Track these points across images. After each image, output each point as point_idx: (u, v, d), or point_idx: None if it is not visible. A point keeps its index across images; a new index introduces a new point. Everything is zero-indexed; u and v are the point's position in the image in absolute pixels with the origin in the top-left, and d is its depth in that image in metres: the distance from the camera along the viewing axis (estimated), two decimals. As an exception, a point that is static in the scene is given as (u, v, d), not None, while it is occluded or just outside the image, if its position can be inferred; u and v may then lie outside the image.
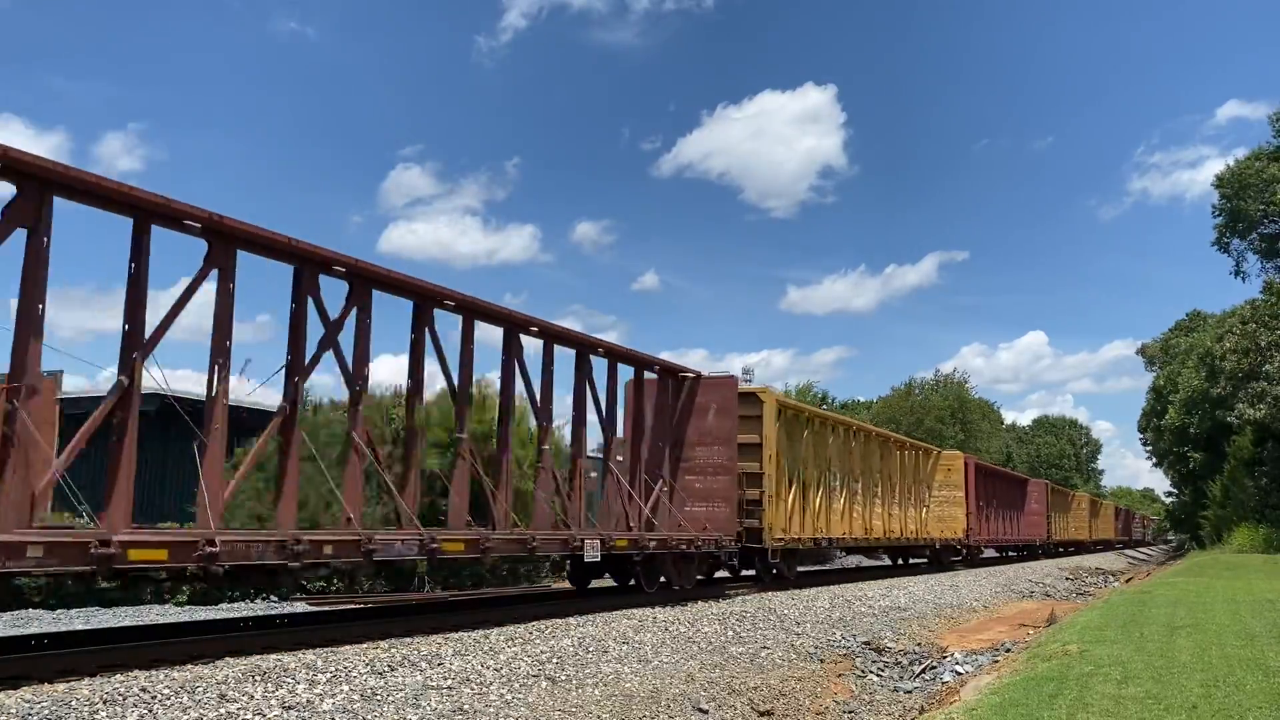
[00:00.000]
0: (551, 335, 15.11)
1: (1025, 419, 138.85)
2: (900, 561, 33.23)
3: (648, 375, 18.13)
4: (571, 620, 12.83)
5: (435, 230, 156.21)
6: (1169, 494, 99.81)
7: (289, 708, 7.11)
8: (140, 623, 13.20)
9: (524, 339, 14.53)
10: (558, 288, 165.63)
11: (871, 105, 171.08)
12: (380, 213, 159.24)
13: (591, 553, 14.20)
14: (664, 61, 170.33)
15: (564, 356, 15.60)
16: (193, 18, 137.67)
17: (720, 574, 21.04)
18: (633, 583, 16.74)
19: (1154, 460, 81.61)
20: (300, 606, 17.21)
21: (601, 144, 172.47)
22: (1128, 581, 30.46)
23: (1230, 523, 52.26)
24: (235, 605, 17.66)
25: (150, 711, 6.74)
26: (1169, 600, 17.01)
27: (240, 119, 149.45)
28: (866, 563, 34.95)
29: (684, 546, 16.86)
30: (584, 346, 16.03)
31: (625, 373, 17.52)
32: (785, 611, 15.48)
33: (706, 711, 8.79)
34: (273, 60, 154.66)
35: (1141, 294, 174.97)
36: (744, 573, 21.23)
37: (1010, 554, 45.31)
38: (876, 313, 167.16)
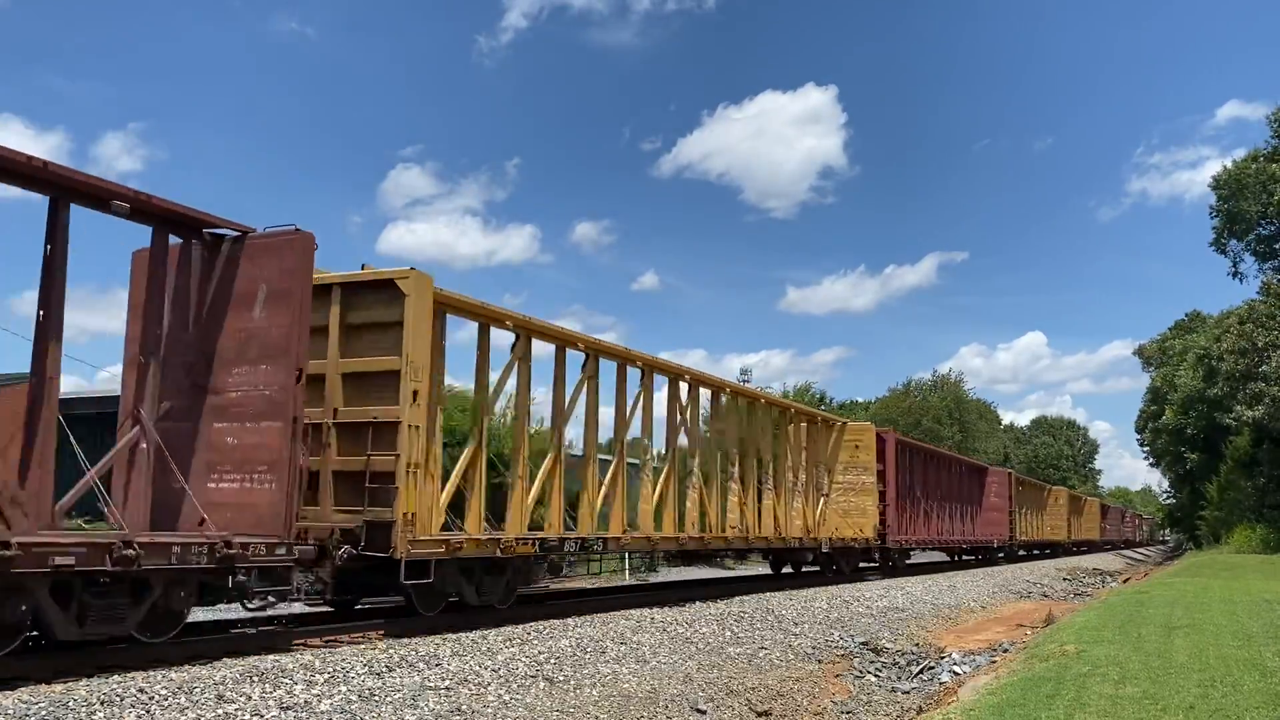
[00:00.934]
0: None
1: (1023, 419, 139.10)
2: (783, 570, 25.51)
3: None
4: (569, 621, 12.82)
5: (435, 231, 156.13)
6: (1166, 494, 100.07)
7: (287, 708, 7.11)
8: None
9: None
10: (557, 288, 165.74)
11: (872, 106, 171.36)
12: (380, 213, 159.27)
13: None
14: (665, 62, 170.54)
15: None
16: (193, 17, 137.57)
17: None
18: None
19: (1151, 461, 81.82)
20: (298, 607, 17.17)
21: (601, 144, 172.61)
22: (1125, 582, 30.48)
23: (1227, 523, 52.35)
24: (232, 606, 17.61)
25: (148, 712, 6.74)
26: (1166, 601, 17.03)
27: (240, 119, 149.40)
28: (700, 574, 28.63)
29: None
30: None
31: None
32: (783, 612, 15.49)
33: (704, 712, 8.80)
34: (273, 60, 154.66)
35: (1140, 295, 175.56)
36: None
37: (966, 558, 38.00)
38: (875, 313, 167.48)
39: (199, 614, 15.65)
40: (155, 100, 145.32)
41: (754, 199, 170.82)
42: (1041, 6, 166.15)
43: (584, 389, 15.20)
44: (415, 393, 11.32)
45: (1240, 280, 53.69)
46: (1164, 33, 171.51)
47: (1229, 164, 52.36)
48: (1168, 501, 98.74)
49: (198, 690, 7.35)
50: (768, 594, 18.64)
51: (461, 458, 12.64)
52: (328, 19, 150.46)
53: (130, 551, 8.13)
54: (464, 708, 7.65)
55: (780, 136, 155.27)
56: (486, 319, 13.11)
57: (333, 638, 10.77)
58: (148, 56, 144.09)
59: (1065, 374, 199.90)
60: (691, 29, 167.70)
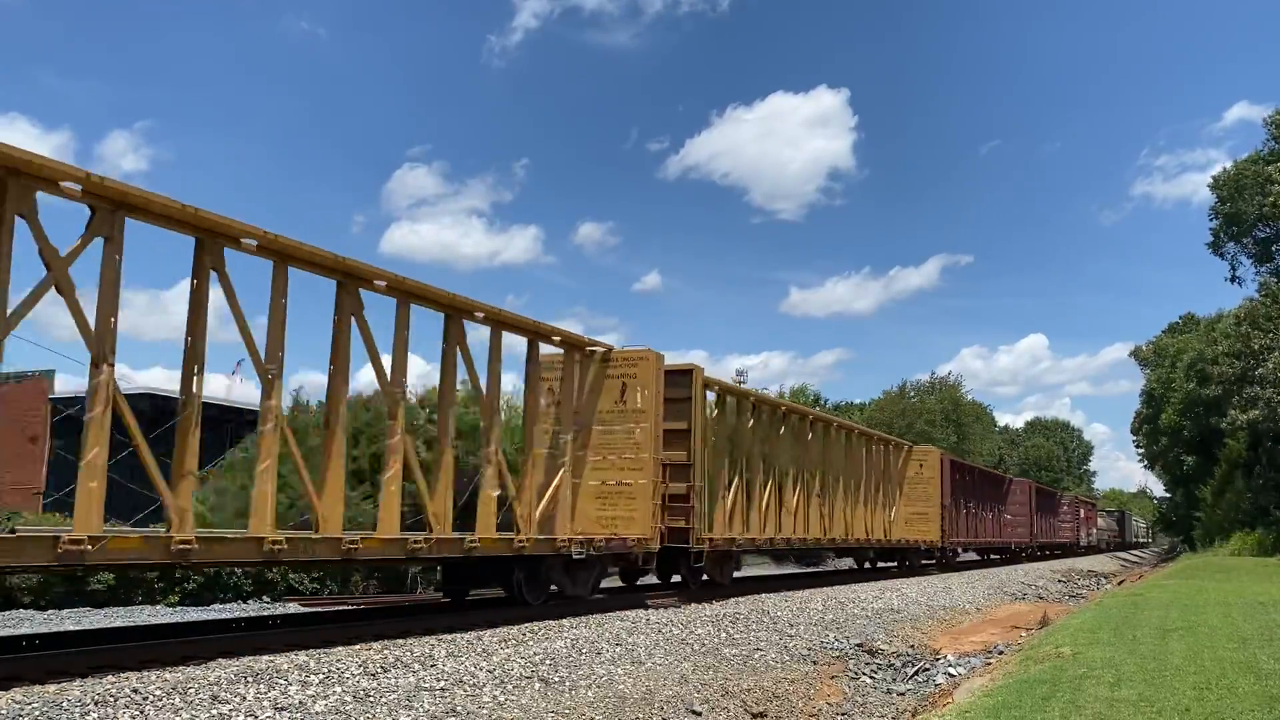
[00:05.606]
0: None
1: (1021, 422, 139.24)
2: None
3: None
4: (565, 622, 12.82)
5: (439, 231, 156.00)
6: (1160, 499, 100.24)
7: (281, 709, 7.09)
8: (132, 624, 13.16)
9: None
10: (559, 290, 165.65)
11: (883, 108, 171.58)
12: (384, 213, 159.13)
13: None
14: (675, 63, 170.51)
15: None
16: (203, 17, 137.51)
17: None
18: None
19: (1146, 463, 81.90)
20: (293, 607, 17.17)
21: (609, 145, 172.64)
22: (1120, 584, 30.53)
23: (1222, 526, 52.46)
24: (228, 606, 17.62)
25: (142, 712, 6.72)
26: (1161, 603, 17.05)
27: (248, 118, 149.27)
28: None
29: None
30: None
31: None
32: (778, 613, 15.49)
33: (700, 713, 8.79)
34: (283, 60, 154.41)
35: (1141, 297, 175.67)
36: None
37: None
38: (876, 315, 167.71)
39: (194, 614, 15.64)
40: (162, 99, 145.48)
41: (761, 200, 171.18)
42: (1053, 10, 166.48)
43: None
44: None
45: (1238, 284, 53.69)
46: (1173, 34, 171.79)
47: (1228, 165, 52.39)
48: (1163, 503, 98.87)
49: (192, 690, 7.33)
50: (763, 595, 18.68)
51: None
52: (339, 19, 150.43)
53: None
54: (459, 709, 7.63)
55: (790, 138, 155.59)
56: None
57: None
58: (156, 55, 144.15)
59: (1065, 376, 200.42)
60: (704, 30, 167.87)
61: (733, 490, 19.17)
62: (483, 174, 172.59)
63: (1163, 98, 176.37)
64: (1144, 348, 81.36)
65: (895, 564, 30.81)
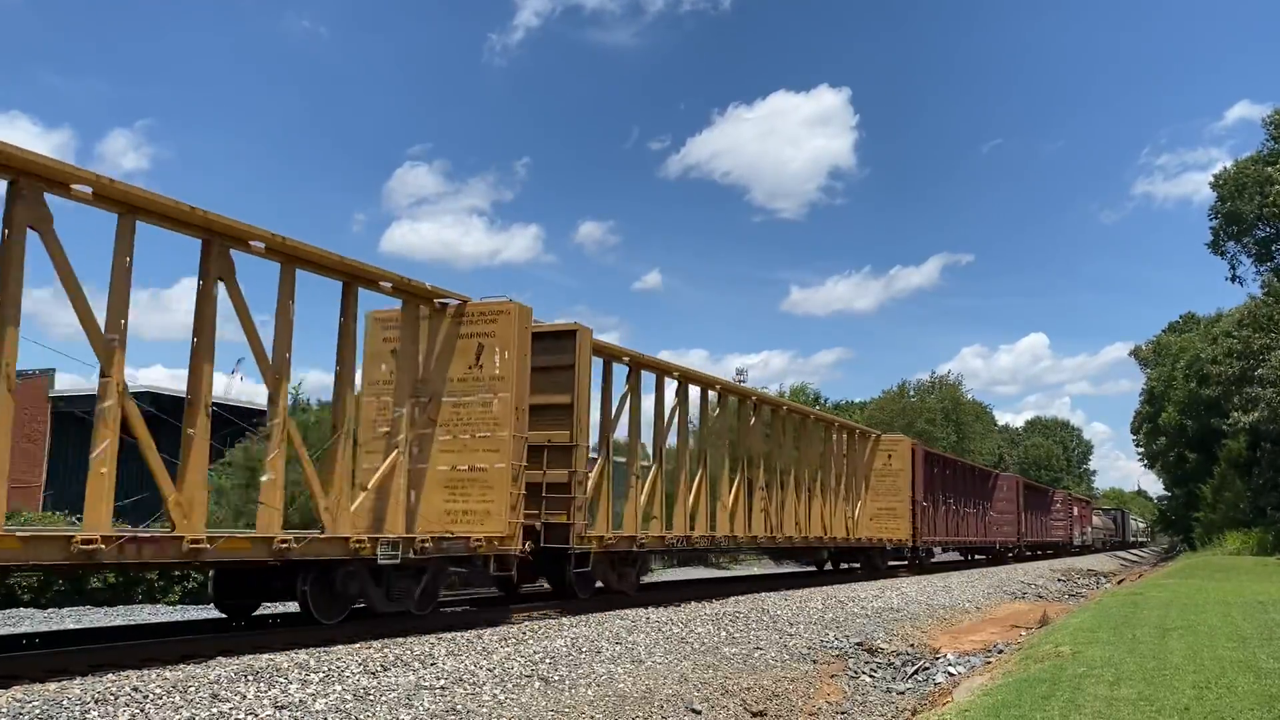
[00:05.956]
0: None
1: (1021, 421, 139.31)
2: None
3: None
4: (565, 621, 12.82)
5: (439, 230, 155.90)
6: (1160, 498, 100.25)
7: (281, 707, 7.10)
8: (132, 622, 13.17)
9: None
10: (560, 289, 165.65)
11: (884, 107, 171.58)
12: (384, 211, 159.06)
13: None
14: (677, 62, 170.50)
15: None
16: (203, 15, 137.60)
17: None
18: None
19: (1146, 462, 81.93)
20: (293, 606, 17.14)
21: (610, 144, 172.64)
22: (1119, 583, 30.55)
23: (1221, 525, 52.43)
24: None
25: (142, 711, 6.72)
26: (1161, 602, 17.05)
27: (249, 117, 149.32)
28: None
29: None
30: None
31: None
32: (778, 612, 15.49)
33: (700, 712, 8.80)
34: (284, 58, 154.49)
35: (1141, 297, 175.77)
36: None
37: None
38: (877, 314, 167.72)
39: (193, 613, 15.64)
40: (164, 98, 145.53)
41: (762, 199, 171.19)
42: (1054, 10, 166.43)
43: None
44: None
45: (1239, 284, 53.60)
46: (1173, 34, 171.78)
47: (1228, 164, 52.34)
48: (1162, 502, 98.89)
49: (192, 689, 7.34)
50: (763, 594, 18.64)
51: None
52: (340, 17, 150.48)
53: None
54: (459, 707, 7.64)
55: (791, 137, 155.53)
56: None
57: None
58: (157, 54, 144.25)
59: (1065, 376, 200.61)
60: (705, 29, 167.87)
61: (649, 480, 16.60)
62: (483, 173, 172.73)
63: (1164, 97, 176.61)
64: (1144, 347, 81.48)
65: (858, 565, 27.54)
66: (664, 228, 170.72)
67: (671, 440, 17.74)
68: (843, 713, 10.14)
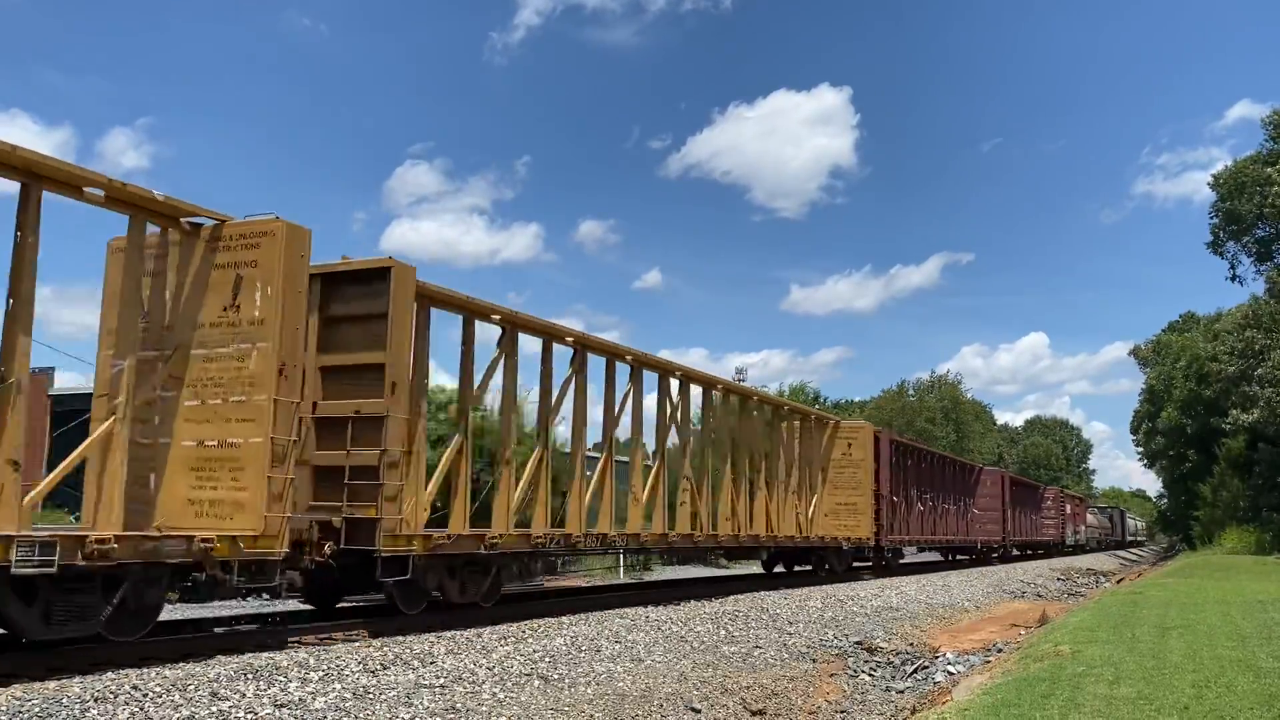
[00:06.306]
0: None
1: (1020, 420, 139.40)
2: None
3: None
4: (564, 619, 12.82)
5: (439, 229, 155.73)
6: (1159, 497, 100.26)
7: (281, 705, 7.10)
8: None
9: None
10: (560, 288, 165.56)
11: (885, 106, 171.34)
12: (385, 210, 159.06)
13: None
14: (678, 61, 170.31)
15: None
16: (204, 13, 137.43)
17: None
18: None
19: (1145, 462, 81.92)
20: (292, 605, 17.15)
21: (610, 142, 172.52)
22: (1119, 582, 30.56)
23: (1221, 524, 52.46)
24: (227, 603, 17.58)
25: (142, 709, 6.72)
26: (1160, 601, 17.06)
27: (249, 115, 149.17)
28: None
29: None
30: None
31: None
32: (778, 611, 15.50)
33: (699, 711, 8.80)
34: (285, 56, 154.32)
35: (1141, 296, 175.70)
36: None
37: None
38: (877, 313, 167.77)
39: (191, 612, 15.64)
40: (163, 96, 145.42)
41: (762, 198, 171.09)
42: (1054, 9, 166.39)
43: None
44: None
45: (1240, 283, 53.58)
46: (1173, 33, 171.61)
47: (1228, 164, 52.33)
48: (1161, 502, 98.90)
49: (192, 687, 7.34)
50: (762, 593, 18.63)
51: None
52: (341, 15, 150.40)
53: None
54: (458, 706, 7.64)
55: (791, 136, 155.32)
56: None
57: (326, 635, 10.75)
58: (158, 52, 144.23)
59: (1065, 375, 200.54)
60: (706, 28, 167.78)
61: (529, 469, 13.79)
62: (484, 171, 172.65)
63: (1164, 96, 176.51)
64: (1144, 346, 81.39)
65: (809, 568, 24.40)
66: (664, 227, 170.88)
67: (564, 427, 15.01)
68: (842, 711, 10.14)
